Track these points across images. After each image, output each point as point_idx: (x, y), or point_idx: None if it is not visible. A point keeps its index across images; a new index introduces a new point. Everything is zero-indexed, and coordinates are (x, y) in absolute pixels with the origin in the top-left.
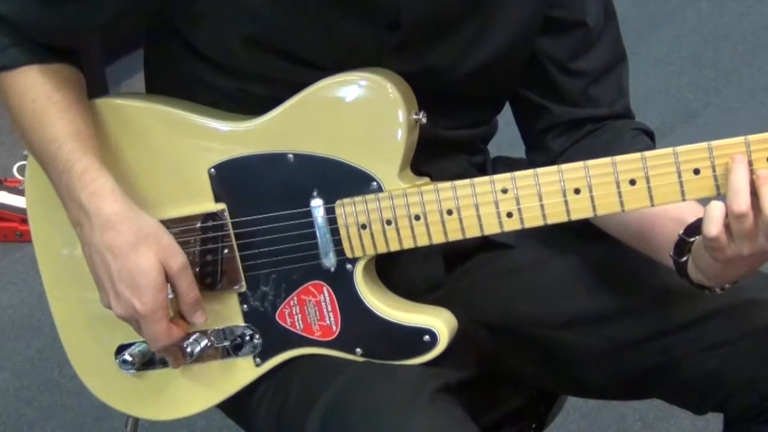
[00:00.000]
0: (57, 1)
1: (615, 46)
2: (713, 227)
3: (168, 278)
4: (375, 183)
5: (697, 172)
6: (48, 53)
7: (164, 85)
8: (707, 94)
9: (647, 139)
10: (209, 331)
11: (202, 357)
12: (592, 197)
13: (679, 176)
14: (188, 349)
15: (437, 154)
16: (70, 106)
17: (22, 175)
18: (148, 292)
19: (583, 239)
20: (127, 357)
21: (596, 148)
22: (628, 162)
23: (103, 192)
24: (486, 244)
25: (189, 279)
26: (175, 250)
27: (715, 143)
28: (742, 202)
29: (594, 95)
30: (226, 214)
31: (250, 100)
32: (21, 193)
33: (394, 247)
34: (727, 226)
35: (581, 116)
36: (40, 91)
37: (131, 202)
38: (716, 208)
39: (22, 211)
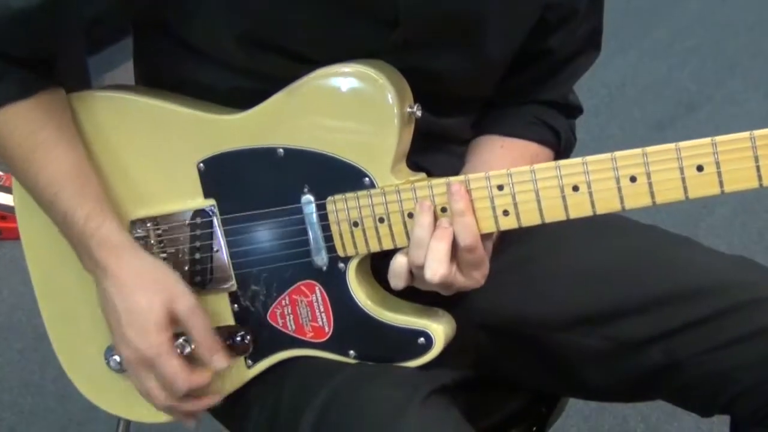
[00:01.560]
0: None
1: (590, 37)
2: (399, 282)
3: (178, 322)
4: (367, 179)
5: (700, 168)
6: (27, 82)
7: (154, 78)
8: (710, 86)
9: (546, 133)
10: None
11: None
12: (591, 193)
13: (682, 173)
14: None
15: (432, 147)
16: (57, 142)
17: (2, 170)
18: (151, 331)
19: (584, 237)
20: (117, 356)
21: (483, 121)
22: (628, 157)
23: (109, 241)
24: None
25: (201, 322)
26: (183, 292)
27: (719, 139)
28: (421, 254)
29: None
30: (216, 210)
31: (243, 96)
32: (1, 189)
33: (387, 245)
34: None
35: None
36: (22, 134)
37: (136, 245)
38: (400, 265)
39: (2, 207)
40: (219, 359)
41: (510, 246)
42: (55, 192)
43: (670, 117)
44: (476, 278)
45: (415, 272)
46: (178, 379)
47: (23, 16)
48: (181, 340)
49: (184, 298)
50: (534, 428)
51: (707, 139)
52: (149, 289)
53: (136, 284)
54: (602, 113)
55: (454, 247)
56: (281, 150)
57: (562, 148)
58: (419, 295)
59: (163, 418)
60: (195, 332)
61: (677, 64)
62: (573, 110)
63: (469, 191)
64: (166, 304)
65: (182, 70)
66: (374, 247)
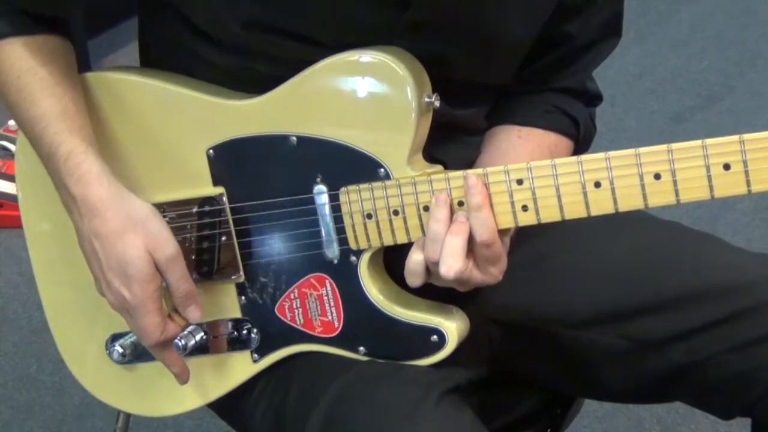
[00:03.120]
0: None
1: (611, 22)
2: (417, 279)
3: (157, 269)
4: (383, 170)
5: (727, 167)
6: (34, 24)
7: (160, 59)
8: (730, 77)
9: (564, 121)
10: (204, 324)
11: (195, 351)
12: (613, 190)
13: (708, 170)
14: (182, 342)
15: (447, 138)
16: (56, 82)
17: (3, 158)
18: (135, 282)
19: (604, 231)
20: (119, 348)
21: (499, 110)
22: (653, 154)
23: (88, 177)
24: None
25: (179, 271)
26: (164, 239)
27: (747, 137)
28: (437, 249)
29: (565, 67)
30: (225, 198)
31: (252, 78)
32: None
33: (401, 239)
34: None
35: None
36: (24, 66)
37: (119, 185)
38: (416, 262)
39: None
40: (192, 311)
41: (526, 240)
42: (43, 126)
43: (689, 109)
44: (493, 274)
45: (431, 268)
46: (150, 333)
47: None
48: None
49: (164, 246)
50: (548, 430)
51: (735, 137)
52: (132, 233)
53: (119, 229)
54: (619, 104)
55: (471, 242)
56: (294, 138)
57: (581, 137)
58: (432, 291)
59: (165, 412)
60: (171, 281)
61: (697, 55)
62: (592, 98)
63: (487, 185)
64: (149, 251)
65: (189, 53)
66: (388, 241)
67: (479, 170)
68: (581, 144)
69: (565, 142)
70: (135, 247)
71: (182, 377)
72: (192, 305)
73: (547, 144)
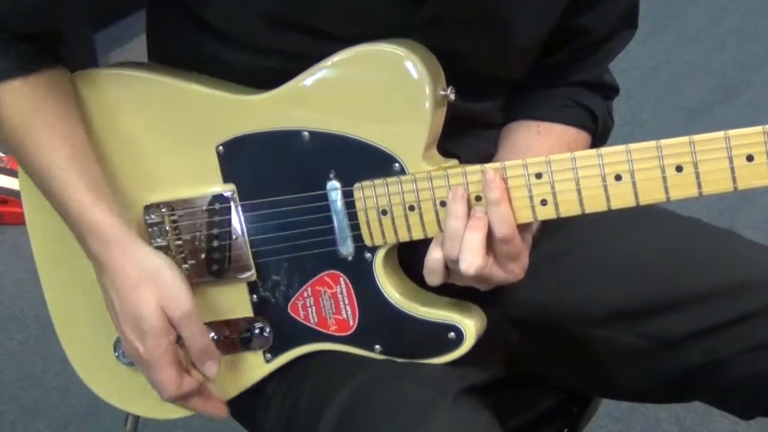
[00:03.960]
0: None
1: (626, 15)
2: (436, 278)
3: (171, 324)
4: (397, 165)
5: (750, 158)
6: (31, 55)
7: (168, 56)
8: (748, 70)
9: (582, 114)
10: (215, 324)
11: None
12: (634, 183)
13: (731, 162)
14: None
15: (462, 132)
16: (54, 126)
17: (2, 152)
18: (149, 337)
19: (621, 229)
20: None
21: (515, 104)
22: (674, 146)
23: (102, 239)
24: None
25: (194, 327)
26: (177, 295)
27: None
28: (456, 246)
29: (581, 60)
30: (235, 195)
31: (264, 75)
32: (2, 171)
33: (417, 235)
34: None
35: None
36: (19, 115)
37: (133, 237)
38: (435, 260)
39: (4, 191)
40: (210, 367)
41: (543, 237)
42: (51, 179)
43: (706, 103)
44: (514, 271)
45: (450, 266)
46: (166, 388)
47: None
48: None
49: (177, 302)
50: (565, 430)
51: (758, 128)
52: (145, 288)
53: (132, 283)
54: (634, 98)
55: (491, 238)
56: (306, 133)
57: (599, 131)
58: (448, 288)
59: (174, 414)
60: (187, 338)
61: (714, 47)
62: (609, 91)
63: (505, 179)
64: (162, 305)
65: (198, 48)
66: (403, 237)
67: (497, 164)
68: (599, 138)
69: (584, 137)
70: (147, 302)
71: (220, 414)
72: (209, 361)
73: (567, 139)
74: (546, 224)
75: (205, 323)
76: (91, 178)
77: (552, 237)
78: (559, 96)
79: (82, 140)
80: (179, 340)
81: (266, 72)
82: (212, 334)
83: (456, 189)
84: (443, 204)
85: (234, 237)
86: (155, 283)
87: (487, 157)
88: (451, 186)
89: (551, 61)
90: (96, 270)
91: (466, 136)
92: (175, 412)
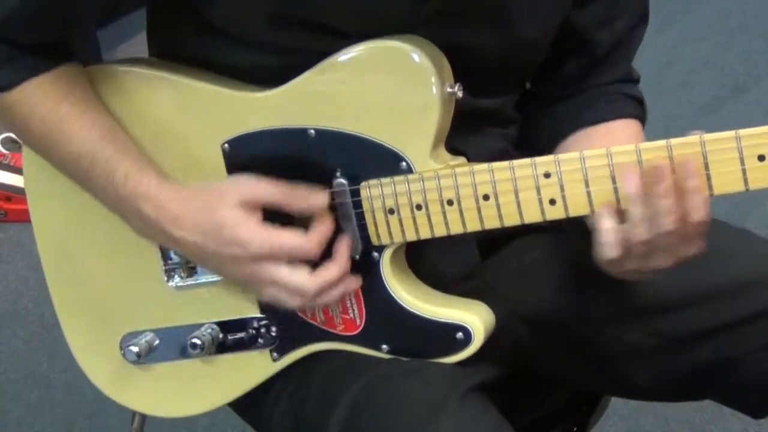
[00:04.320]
0: None
1: (640, 7)
2: (614, 250)
3: (268, 208)
4: (404, 163)
5: (762, 158)
6: (41, 60)
7: (169, 55)
8: (758, 67)
9: (630, 104)
10: (222, 322)
11: (214, 350)
12: None
13: (742, 163)
14: (198, 341)
15: (470, 129)
16: (80, 114)
17: (7, 149)
18: (250, 229)
19: None
20: (133, 348)
21: (567, 114)
22: (684, 145)
23: (151, 190)
24: (524, 229)
25: (272, 187)
26: (236, 183)
27: None
28: (642, 232)
29: (606, 63)
30: None
31: (267, 73)
32: (6, 168)
33: (425, 234)
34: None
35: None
36: (45, 109)
37: (179, 188)
38: (609, 233)
39: (8, 188)
40: (315, 197)
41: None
42: (90, 161)
43: (716, 99)
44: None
45: (637, 250)
46: (301, 284)
47: (32, 4)
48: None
49: (243, 184)
50: (574, 428)
51: (766, 128)
52: (220, 201)
53: (203, 206)
54: (644, 94)
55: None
56: (312, 131)
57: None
58: (455, 287)
59: (182, 413)
60: (278, 196)
61: (724, 44)
62: (637, 80)
63: (514, 179)
64: (235, 199)
65: (200, 47)
66: (411, 236)
67: (505, 162)
68: (644, 123)
69: (638, 125)
70: (229, 204)
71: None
72: (310, 196)
73: (633, 131)
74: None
75: (213, 323)
76: (134, 150)
77: (563, 235)
78: (602, 94)
79: (112, 121)
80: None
81: (270, 70)
82: (218, 333)
83: (627, 170)
84: (450, 203)
85: None
86: (225, 191)
87: (497, 154)
88: (459, 186)
89: (577, 67)
90: (155, 233)
91: (475, 133)
92: (181, 411)
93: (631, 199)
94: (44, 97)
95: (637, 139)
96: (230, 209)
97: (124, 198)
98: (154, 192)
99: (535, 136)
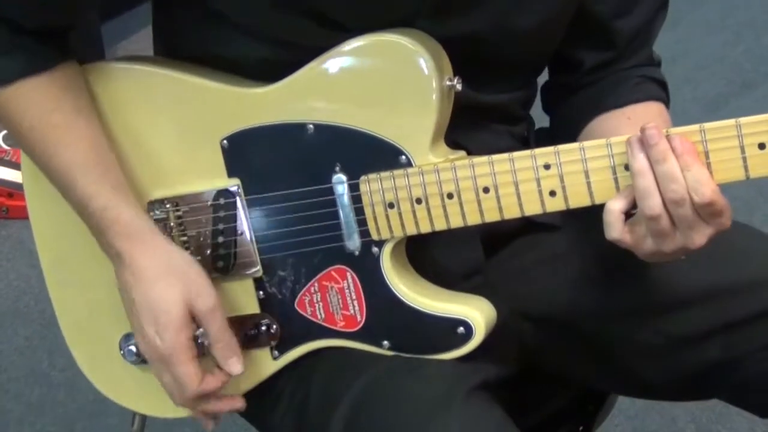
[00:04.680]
0: None
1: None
2: (614, 232)
3: (195, 320)
4: (404, 157)
5: (762, 146)
6: (39, 55)
7: (174, 47)
8: (766, 63)
9: (654, 87)
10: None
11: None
12: None
13: (743, 151)
14: (197, 341)
15: (474, 125)
16: (70, 127)
17: (9, 145)
18: (170, 330)
19: None
20: (133, 347)
21: (589, 100)
22: (684, 134)
23: (127, 232)
24: (529, 225)
25: (219, 322)
26: (204, 290)
27: None
28: (654, 205)
29: (627, 51)
30: (240, 190)
31: (268, 67)
32: (7, 164)
33: (425, 228)
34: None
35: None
36: (36, 115)
37: (158, 234)
38: (612, 214)
39: (9, 184)
40: (234, 364)
41: (557, 232)
42: (71, 179)
43: (723, 96)
44: (725, 224)
45: (651, 227)
46: (187, 384)
47: None
48: (200, 331)
49: (204, 297)
50: (580, 428)
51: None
52: (169, 283)
53: (156, 277)
54: None
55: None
56: (311, 126)
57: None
58: (458, 285)
59: (181, 413)
60: (212, 334)
61: (730, 40)
62: (659, 63)
63: (514, 171)
64: (186, 300)
65: (206, 40)
66: (411, 230)
67: (504, 155)
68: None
69: (663, 107)
70: (171, 294)
71: (239, 407)
72: (233, 357)
73: (655, 113)
74: (561, 218)
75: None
76: (113, 176)
77: (567, 231)
78: (627, 78)
79: (100, 137)
80: (198, 340)
81: (270, 63)
82: None
83: (631, 140)
84: (450, 196)
85: (239, 232)
86: (182, 277)
87: (501, 151)
88: (458, 179)
89: (598, 57)
90: (116, 266)
91: (478, 129)
92: (182, 411)
93: (636, 170)
94: (37, 102)
95: (663, 120)
96: (176, 301)
97: (96, 227)
98: (125, 232)
99: (561, 127)
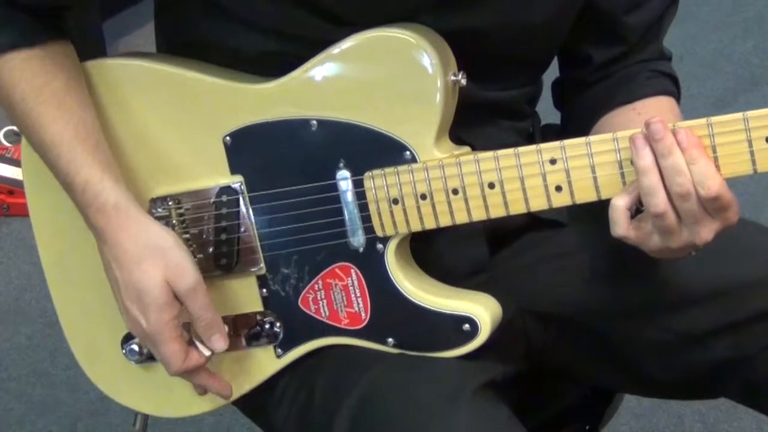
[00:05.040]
0: None
1: None
2: (619, 229)
3: (177, 298)
4: (408, 153)
5: None
6: (32, 31)
7: (176, 42)
8: None
9: (665, 81)
10: (224, 319)
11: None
12: None
13: (750, 145)
14: (135, 348)
15: (479, 121)
16: (61, 103)
17: (10, 142)
18: (151, 310)
19: None
20: (135, 346)
21: (600, 96)
22: (691, 128)
23: (106, 208)
24: (535, 222)
25: (200, 301)
26: (184, 269)
27: None
28: (659, 202)
29: (638, 46)
30: (243, 187)
31: (270, 61)
32: (8, 161)
33: (430, 224)
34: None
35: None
36: (27, 87)
37: (139, 212)
38: (617, 210)
39: (10, 181)
40: (217, 340)
41: (564, 229)
42: (56, 154)
43: (731, 92)
44: (731, 219)
45: (657, 224)
46: (172, 362)
47: None
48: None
49: (184, 276)
50: (587, 427)
51: None
52: (150, 264)
53: (137, 257)
54: None
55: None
56: (315, 122)
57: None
58: (461, 279)
59: (185, 412)
60: (194, 312)
61: (738, 36)
62: (669, 58)
63: (519, 166)
64: (168, 280)
65: (208, 33)
66: (415, 227)
67: (510, 150)
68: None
69: (674, 102)
70: (152, 275)
71: (225, 393)
72: (216, 334)
73: (665, 108)
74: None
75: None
76: (101, 154)
77: (573, 228)
78: (638, 73)
79: (91, 116)
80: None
81: (273, 58)
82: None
83: (635, 137)
84: (455, 192)
85: (242, 230)
86: (162, 256)
87: (505, 147)
88: (463, 174)
89: (608, 53)
90: (98, 243)
91: (483, 124)
92: (185, 410)
93: (641, 168)
94: (29, 75)
95: (673, 115)
96: (157, 282)
97: (80, 203)
98: (106, 210)
99: (572, 123)
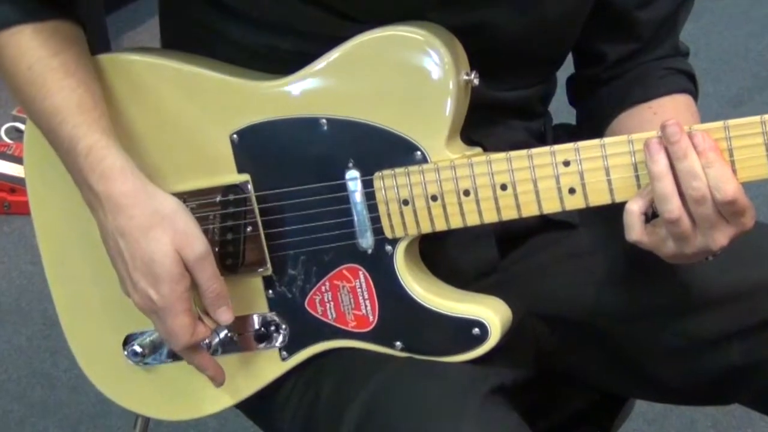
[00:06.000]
0: None
1: None
2: (633, 234)
3: (186, 268)
4: (419, 153)
5: None
6: (42, 8)
7: (181, 38)
8: None
9: (681, 79)
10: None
11: (220, 349)
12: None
13: (767, 149)
14: (205, 341)
15: (491, 121)
16: (69, 73)
17: (11, 139)
18: (163, 282)
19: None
20: (137, 348)
21: (615, 94)
22: (708, 131)
23: (111, 172)
24: (545, 223)
25: (209, 270)
26: (193, 237)
27: None
28: (673, 209)
29: (652, 42)
30: (250, 186)
31: (277, 57)
32: (10, 158)
33: (440, 226)
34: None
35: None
36: (35, 56)
37: (144, 179)
38: (632, 215)
39: (11, 179)
40: (224, 312)
41: (575, 231)
42: (59, 121)
43: (747, 91)
44: (746, 224)
45: (671, 230)
46: (180, 335)
47: None
48: None
49: (193, 244)
50: None
51: None
52: (160, 232)
53: (144, 223)
54: None
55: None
56: (324, 120)
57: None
58: (470, 282)
59: (188, 415)
60: (201, 280)
61: (755, 33)
62: (686, 53)
63: (532, 168)
64: (177, 249)
65: (214, 29)
66: (425, 229)
67: (522, 151)
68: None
69: (691, 100)
70: (162, 244)
71: (218, 379)
72: (223, 306)
73: (682, 107)
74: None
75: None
76: (106, 123)
77: (585, 230)
78: (653, 70)
79: (99, 91)
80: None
81: (280, 54)
82: (225, 331)
83: (649, 142)
84: (467, 193)
85: (249, 229)
86: (171, 225)
87: (517, 146)
88: (475, 176)
89: (622, 50)
90: (98, 215)
91: (494, 125)
92: (187, 413)
93: (655, 174)
94: (38, 44)
95: (690, 113)
96: (168, 251)
97: (82, 169)
98: (111, 175)
99: (587, 121)
